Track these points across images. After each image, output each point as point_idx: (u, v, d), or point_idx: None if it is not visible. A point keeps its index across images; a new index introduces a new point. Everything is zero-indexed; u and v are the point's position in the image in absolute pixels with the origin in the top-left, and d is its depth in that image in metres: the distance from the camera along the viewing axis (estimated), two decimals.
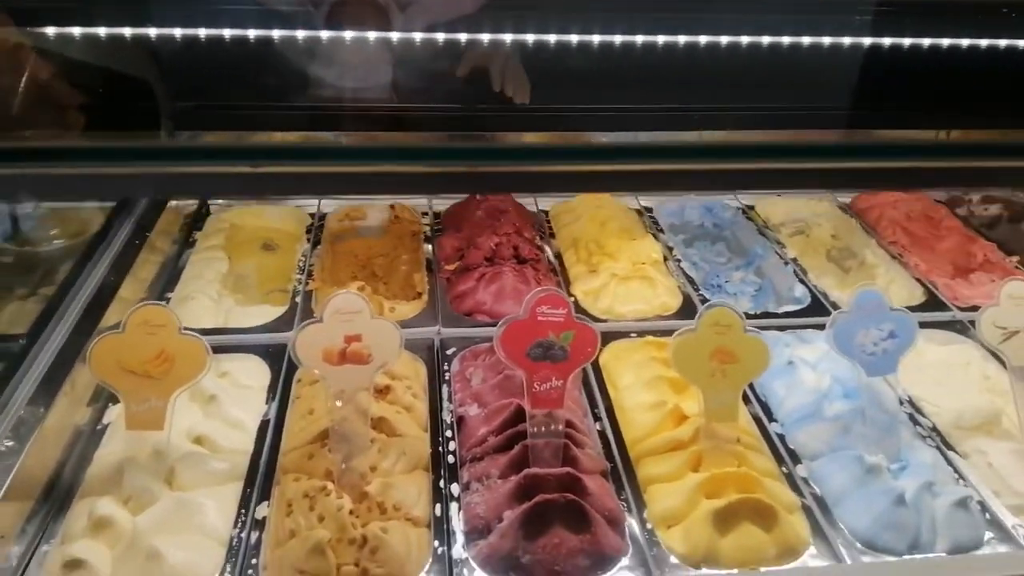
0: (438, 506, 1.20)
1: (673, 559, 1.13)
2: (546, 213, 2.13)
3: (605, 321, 1.66)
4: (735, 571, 1.12)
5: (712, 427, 1.26)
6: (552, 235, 2.01)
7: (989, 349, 1.54)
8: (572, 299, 1.73)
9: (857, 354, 1.30)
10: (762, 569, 1.12)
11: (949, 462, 1.32)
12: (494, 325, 1.21)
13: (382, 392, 1.38)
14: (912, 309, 1.76)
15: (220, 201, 2.08)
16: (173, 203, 1.97)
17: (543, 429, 1.22)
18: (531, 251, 1.76)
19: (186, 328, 1.21)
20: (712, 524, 1.14)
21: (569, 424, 1.29)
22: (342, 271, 1.91)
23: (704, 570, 1.12)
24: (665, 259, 1.90)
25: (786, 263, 1.92)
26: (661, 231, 2.06)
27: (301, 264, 1.83)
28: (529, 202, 2.16)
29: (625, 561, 1.13)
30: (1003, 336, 1.34)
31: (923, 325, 1.68)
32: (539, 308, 1.21)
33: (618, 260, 1.78)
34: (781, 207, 2.25)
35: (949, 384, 1.50)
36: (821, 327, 1.37)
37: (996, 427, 1.42)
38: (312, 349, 1.19)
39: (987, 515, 1.22)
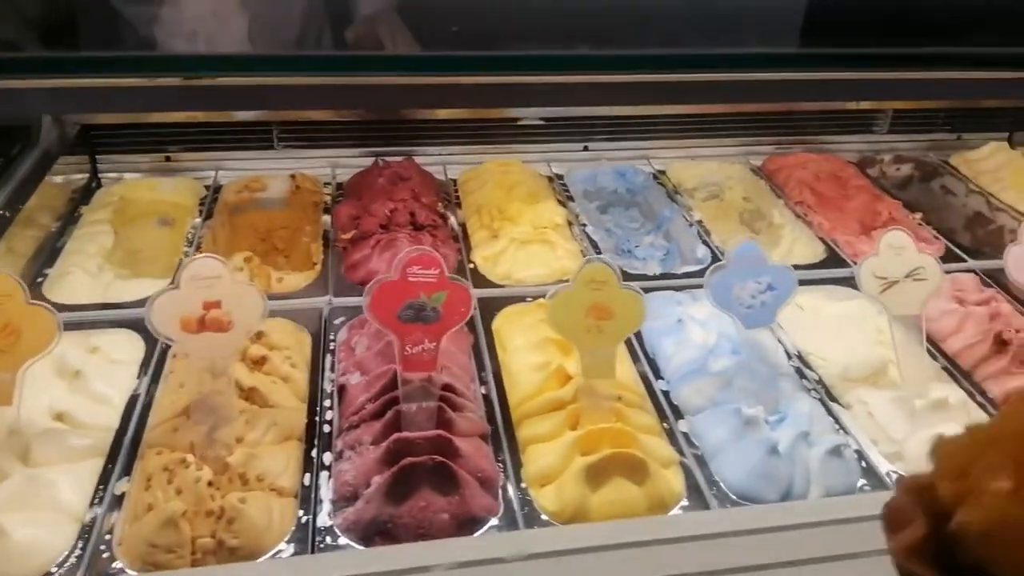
0: (307, 475, 1.17)
1: (544, 516, 1.11)
2: (455, 182, 2.09)
3: (503, 287, 1.63)
4: (599, 523, 1.10)
5: (590, 384, 1.24)
6: (459, 203, 1.97)
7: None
8: (471, 265, 1.70)
9: (735, 307, 1.29)
10: (624, 520, 1.10)
11: (830, 412, 1.32)
12: None
13: (258, 363, 1.33)
14: (812, 267, 1.77)
15: (112, 174, 2.00)
16: (59, 178, 1.89)
17: (416, 393, 1.19)
18: (429, 217, 1.71)
19: (34, 300, 1.15)
20: (583, 480, 1.12)
21: (449, 388, 1.26)
22: (241, 244, 1.85)
23: (571, 525, 1.10)
24: (571, 224, 1.88)
25: (691, 225, 1.92)
26: (571, 198, 2.03)
27: (190, 237, 1.76)
28: (438, 170, 2.11)
29: (494, 521, 1.11)
30: (882, 286, 1.35)
31: (823, 282, 1.71)
32: (410, 269, 1.18)
33: (519, 224, 1.75)
34: (694, 171, 2.25)
35: (842, 338, 1.51)
36: None
37: (882, 378, 1.43)
38: (168, 317, 1.14)
39: (863, 463, 1.23)
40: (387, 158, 2.05)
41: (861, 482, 1.20)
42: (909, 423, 1.28)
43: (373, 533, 1.08)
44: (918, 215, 2.01)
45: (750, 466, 1.18)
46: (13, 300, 1.14)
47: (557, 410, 1.26)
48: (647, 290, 1.60)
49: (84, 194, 1.92)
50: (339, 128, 2.12)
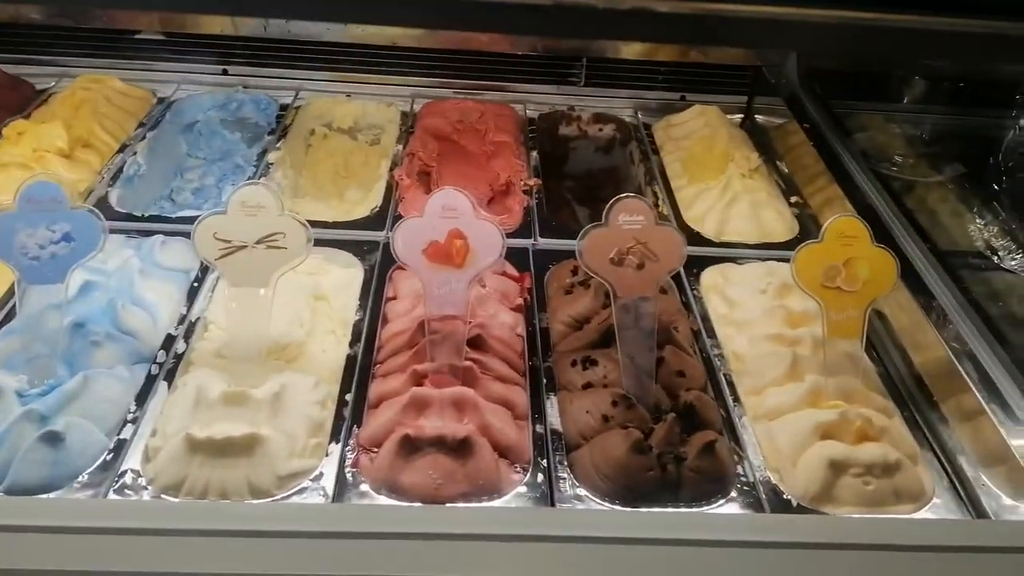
0: None
1: None
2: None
3: None
4: None
5: None
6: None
7: None
8: None
9: (15, 257, 1.09)
10: None
11: (154, 391, 1.13)
12: None
13: None
14: (341, 225, 1.53)
15: None
16: None
17: None
18: None
19: None
20: None
21: None
22: None
23: None
24: (123, 150, 1.69)
25: (256, 167, 1.70)
26: (144, 125, 1.80)
27: None
28: (47, 83, 1.92)
29: None
30: (224, 250, 1.12)
31: (339, 245, 1.48)
32: None
33: (18, 145, 1.57)
34: (348, 109, 2.00)
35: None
36: None
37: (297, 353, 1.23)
38: None
39: (111, 455, 1.03)
40: None
41: (84, 478, 1.01)
42: (204, 411, 1.07)
43: None
44: (534, 182, 1.72)
45: None
46: None
47: None
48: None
49: None
50: None
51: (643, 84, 2.08)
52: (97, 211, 1.11)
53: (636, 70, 2.07)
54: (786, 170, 1.84)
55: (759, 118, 2.06)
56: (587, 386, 1.19)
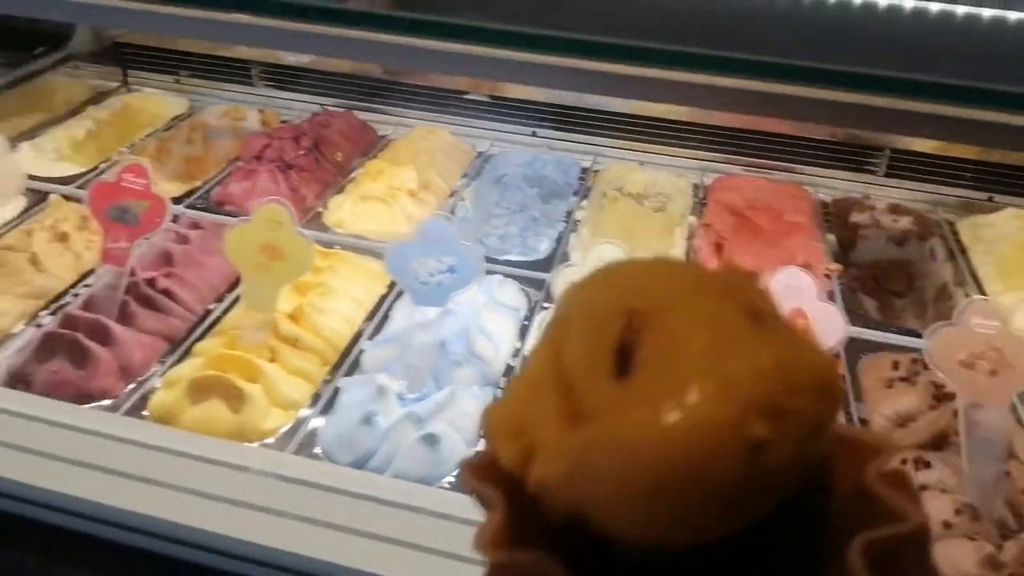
0: None
1: (144, 413, 1.23)
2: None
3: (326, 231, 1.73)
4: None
5: (251, 315, 1.32)
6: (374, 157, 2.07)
7: None
8: (320, 209, 1.81)
9: (408, 280, 1.28)
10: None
11: None
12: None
13: None
14: None
15: (137, 88, 2.40)
16: (95, 81, 2.31)
17: (111, 284, 1.36)
18: (298, 157, 1.85)
19: None
20: (185, 392, 1.22)
21: (166, 292, 1.42)
22: (210, 159, 2.15)
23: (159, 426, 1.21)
24: (452, 195, 1.91)
25: (564, 222, 1.85)
26: (476, 175, 2.03)
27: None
28: (389, 129, 2.22)
29: (106, 402, 1.25)
30: None
31: None
32: (124, 175, 1.35)
33: (376, 182, 1.83)
34: (639, 177, 2.12)
35: None
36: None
37: None
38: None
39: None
40: (338, 110, 2.22)
41: (451, 479, 1.15)
42: None
43: (16, 382, 1.28)
44: (836, 267, 1.72)
45: (342, 428, 1.19)
46: None
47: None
48: None
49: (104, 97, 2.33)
50: (320, 77, 2.33)
51: (946, 180, 2.02)
52: (480, 249, 1.28)
53: (940, 165, 2.01)
54: None
55: None
56: (921, 488, 1.16)
